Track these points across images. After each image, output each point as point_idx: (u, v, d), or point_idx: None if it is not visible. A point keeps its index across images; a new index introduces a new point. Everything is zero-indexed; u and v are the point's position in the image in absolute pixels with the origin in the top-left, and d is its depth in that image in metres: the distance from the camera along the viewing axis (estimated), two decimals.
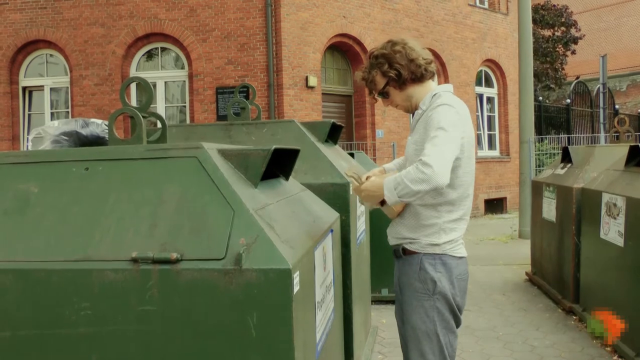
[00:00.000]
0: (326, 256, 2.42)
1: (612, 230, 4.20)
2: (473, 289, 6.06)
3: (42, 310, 1.77)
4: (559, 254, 5.48)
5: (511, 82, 14.55)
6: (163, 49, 11.04)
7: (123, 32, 10.65)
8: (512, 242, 9.53)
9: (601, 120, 14.42)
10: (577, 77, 20.05)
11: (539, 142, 12.84)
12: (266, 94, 10.42)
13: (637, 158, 4.30)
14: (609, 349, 4.20)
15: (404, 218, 2.38)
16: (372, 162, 6.14)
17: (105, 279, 1.73)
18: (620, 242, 4.06)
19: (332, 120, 3.87)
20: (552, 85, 20.08)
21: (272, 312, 1.66)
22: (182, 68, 10.93)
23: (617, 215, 4.11)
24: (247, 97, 9.61)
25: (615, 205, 4.16)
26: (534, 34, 15.26)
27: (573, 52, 20.21)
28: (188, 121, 10.77)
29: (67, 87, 11.09)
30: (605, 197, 4.36)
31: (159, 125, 2.26)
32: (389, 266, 2.97)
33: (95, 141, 2.76)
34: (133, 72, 10.91)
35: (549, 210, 5.78)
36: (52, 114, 11.26)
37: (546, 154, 12.52)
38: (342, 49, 11.83)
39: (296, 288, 1.71)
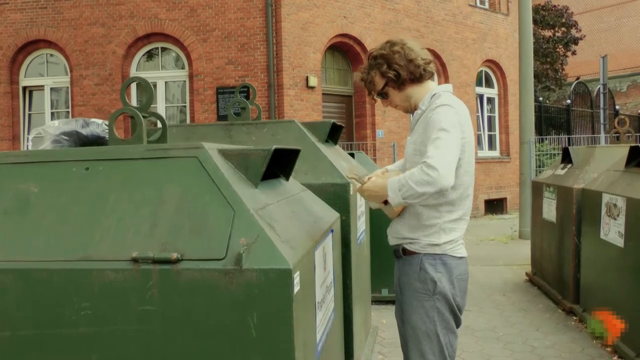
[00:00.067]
0: (326, 256, 2.42)
1: (613, 230, 4.20)
2: (473, 289, 6.06)
3: (42, 310, 1.77)
4: (559, 255, 5.48)
5: (511, 83, 14.55)
6: (163, 49, 11.04)
7: (123, 32, 10.65)
8: (512, 242, 9.53)
9: (601, 120, 14.43)
10: (578, 78, 20.05)
11: (539, 143, 12.84)
12: (266, 94, 10.42)
13: (637, 159, 4.30)
14: (609, 349, 4.20)
15: (404, 218, 2.38)
16: (373, 163, 6.14)
17: (106, 279, 1.73)
18: (620, 242, 4.06)
19: (333, 121, 3.87)
20: (552, 87, 20.07)
21: (272, 312, 1.66)
22: (183, 68, 10.93)
23: (618, 215, 4.11)
24: (247, 97, 9.60)
25: (615, 205, 4.16)
26: (534, 34, 15.27)
27: (573, 53, 20.21)
28: (188, 121, 10.77)
29: (68, 87, 11.09)
30: (606, 198, 4.36)
31: (159, 125, 2.26)
32: (389, 266, 2.97)
33: (96, 141, 2.76)
34: (133, 72, 10.92)
35: (549, 210, 5.78)
36: (52, 113, 11.26)
37: (546, 154, 12.52)
38: (343, 49, 11.83)
39: (296, 288, 1.71)
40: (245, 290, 1.66)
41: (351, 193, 3.25)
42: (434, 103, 2.29)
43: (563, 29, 19.96)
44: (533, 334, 4.65)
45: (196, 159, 1.90)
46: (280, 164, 2.42)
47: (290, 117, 10.27)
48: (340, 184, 3.19)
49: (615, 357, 4.05)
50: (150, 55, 11.09)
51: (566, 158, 5.85)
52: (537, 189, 6.30)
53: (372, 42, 11.40)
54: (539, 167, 11.18)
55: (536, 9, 18.47)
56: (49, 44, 10.97)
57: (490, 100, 14.78)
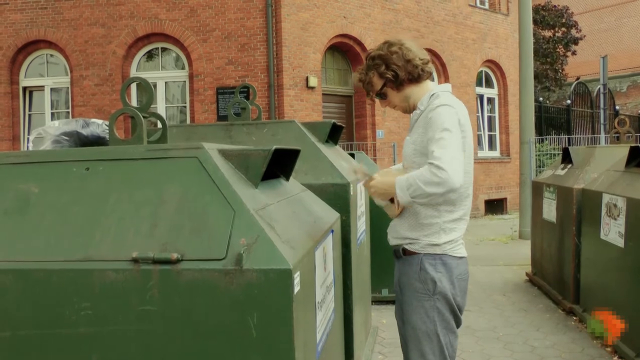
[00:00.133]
0: (327, 256, 2.42)
1: (613, 231, 4.20)
2: (473, 289, 6.06)
3: (42, 310, 1.77)
4: (560, 255, 5.48)
5: (511, 83, 14.55)
6: (163, 49, 11.05)
7: (123, 32, 10.65)
8: (512, 242, 9.53)
9: (601, 121, 14.43)
10: (578, 78, 20.05)
11: (539, 143, 12.84)
12: (267, 94, 10.43)
13: (637, 159, 4.30)
14: (609, 349, 4.20)
15: (404, 218, 2.38)
16: (373, 163, 6.14)
17: (106, 279, 1.73)
18: (620, 242, 4.06)
19: (333, 121, 3.87)
20: (552, 87, 20.07)
21: (272, 313, 1.66)
22: (183, 68, 10.93)
23: (618, 216, 4.11)
24: (247, 98, 9.60)
25: (615, 206, 4.16)
26: (534, 34, 15.26)
27: (573, 53, 20.21)
28: (188, 121, 10.77)
29: (68, 87, 11.09)
30: (606, 198, 4.36)
31: (160, 125, 2.26)
32: (389, 266, 2.97)
33: (96, 141, 2.76)
34: (133, 72, 10.92)
35: (550, 210, 5.78)
36: (52, 114, 11.27)
37: (546, 154, 12.52)
38: (343, 50, 11.84)
39: (297, 288, 1.71)
40: (246, 291, 1.66)
41: (351, 193, 3.25)
42: (432, 103, 2.29)
43: (563, 29, 19.96)
44: (533, 334, 4.65)
45: (196, 159, 1.90)
46: (280, 164, 2.42)
47: (290, 117, 10.28)
48: (341, 184, 3.19)
49: (616, 357, 4.05)
50: (150, 55, 11.09)
51: (566, 158, 5.85)
52: (537, 189, 6.30)
53: (372, 42, 11.40)
54: (539, 167, 11.18)
55: (536, 9, 18.48)
56: (49, 44, 10.97)
57: (490, 101, 14.78)
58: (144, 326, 1.71)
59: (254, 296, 1.66)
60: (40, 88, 11.30)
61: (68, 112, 11.10)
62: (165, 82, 11.01)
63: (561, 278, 5.43)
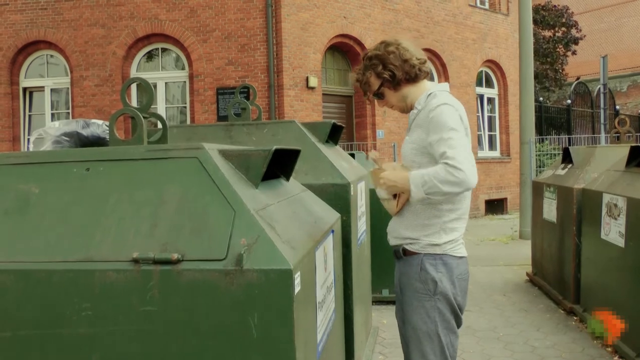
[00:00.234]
0: (327, 257, 2.42)
1: (613, 230, 4.20)
2: (474, 289, 6.06)
3: (43, 311, 1.77)
4: (560, 255, 5.48)
5: (512, 83, 14.55)
6: (163, 50, 11.05)
7: (123, 32, 10.66)
8: (512, 242, 9.53)
9: (602, 120, 14.41)
10: (578, 78, 20.05)
11: (539, 143, 12.84)
12: (267, 94, 10.43)
13: (637, 159, 4.29)
14: (609, 349, 4.19)
15: (404, 217, 2.38)
16: (373, 163, 6.13)
17: (106, 280, 1.73)
18: (621, 242, 4.06)
19: (333, 121, 3.86)
20: (551, 87, 20.07)
21: (273, 313, 1.66)
22: (183, 69, 10.94)
23: (618, 215, 4.11)
24: (247, 98, 9.61)
25: (616, 205, 4.16)
26: (534, 34, 15.27)
27: (574, 53, 20.21)
28: (188, 122, 10.78)
29: (68, 88, 11.09)
30: (606, 198, 4.36)
31: (160, 125, 2.26)
32: (390, 266, 2.97)
33: (96, 142, 2.76)
34: (133, 72, 10.92)
35: (550, 210, 5.78)
36: (52, 114, 11.27)
37: (547, 154, 12.51)
38: (343, 50, 11.84)
39: (297, 288, 1.71)
40: (246, 291, 1.66)
41: (351, 194, 3.25)
42: (430, 102, 2.29)
43: (563, 29, 19.96)
44: (533, 334, 4.65)
45: (197, 159, 1.90)
46: (280, 165, 2.42)
47: (290, 117, 10.28)
48: (341, 185, 3.19)
49: (616, 357, 4.05)
50: (150, 56, 11.09)
51: (566, 158, 5.85)
52: (538, 189, 6.30)
53: (372, 42, 11.38)
54: (540, 167, 11.18)
55: (536, 9, 18.48)
56: (49, 45, 10.98)
57: (490, 101, 14.78)
58: (145, 326, 1.71)
59: (254, 296, 1.66)
60: (41, 89, 11.31)
61: (68, 113, 11.10)
62: (166, 83, 11.02)
63: (561, 278, 5.43)
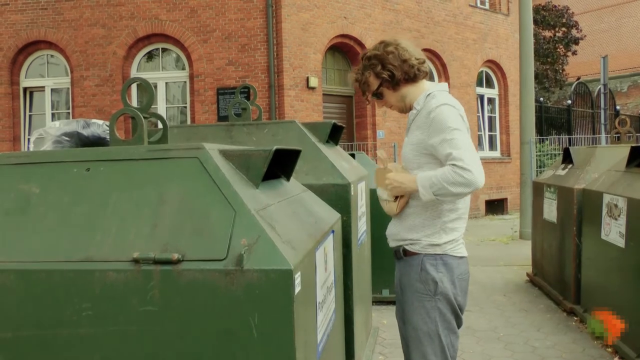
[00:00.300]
0: (327, 257, 2.42)
1: (613, 231, 4.20)
2: (474, 289, 6.05)
3: (43, 311, 1.77)
4: (560, 255, 5.48)
5: (512, 83, 14.55)
6: (164, 50, 11.05)
7: (124, 32, 10.66)
8: (512, 243, 9.53)
9: (602, 121, 14.42)
10: (578, 78, 20.05)
11: (539, 143, 12.84)
12: (267, 94, 10.43)
13: (638, 159, 4.29)
14: (610, 349, 4.19)
15: (404, 219, 2.38)
16: (373, 163, 6.13)
17: (107, 280, 1.73)
18: (621, 243, 4.06)
19: (333, 121, 3.86)
20: (551, 88, 20.07)
21: (273, 313, 1.66)
22: (183, 69, 10.94)
23: (618, 216, 4.11)
24: (248, 98, 9.61)
25: (616, 206, 4.16)
26: (535, 34, 15.28)
27: (574, 53, 20.21)
28: (189, 122, 10.78)
29: (68, 88, 11.10)
30: (607, 198, 4.35)
31: (160, 125, 2.26)
32: (390, 267, 2.97)
33: (97, 142, 2.76)
34: (134, 72, 10.93)
35: (550, 211, 5.78)
36: (53, 114, 11.27)
37: (547, 154, 12.51)
38: (343, 50, 11.84)
39: (297, 289, 1.71)
40: (246, 291, 1.66)
41: (351, 193, 3.25)
42: (430, 103, 2.29)
43: (563, 29, 19.97)
44: (534, 335, 4.65)
45: (197, 159, 1.90)
46: (281, 165, 2.42)
47: (290, 117, 10.28)
48: (341, 185, 3.19)
49: (617, 358, 4.05)
50: (150, 56, 11.10)
51: (567, 158, 5.84)
52: (538, 190, 6.30)
53: (373, 42, 11.32)
54: (540, 167, 11.18)
55: (537, 9, 18.48)
56: (50, 44, 10.98)
57: (490, 101, 14.78)
58: (145, 326, 1.71)
59: (254, 296, 1.66)
60: (41, 89, 11.31)
61: (68, 113, 11.10)
62: (166, 83, 11.02)
63: (562, 278, 5.43)
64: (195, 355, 1.70)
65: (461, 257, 2.34)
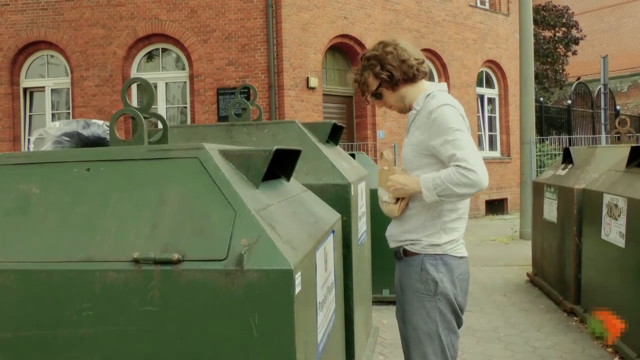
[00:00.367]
0: (327, 257, 2.41)
1: (614, 231, 4.20)
2: (474, 289, 6.05)
3: (43, 311, 1.77)
4: (560, 255, 5.48)
5: (512, 83, 14.55)
6: (164, 50, 11.05)
7: (124, 33, 10.66)
8: (513, 243, 9.53)
9: (602, 121, 14.42)
10: (578, 78, 20.05)
11: (539, 143, 12.84)
12: (267, 94, 10.43)
13: (638, 159, 4.29)
14: (610, 349, 4.19)
15: (404, 220, 2.38)
16: (373, 163, 6.13)
17: (107, 280, 1.73)
18: (621, 243, 4.06)
19: (333, 121, 3.86)
20: (550, 88, 20.06)
21: (273, 313, 1.66)
22: (183, 69, 10.94)
23: (619, 216, 4.11)
24: (248, 98, 9.61)
25: (616, 206, 4.16)
26: (535, 34, 15.28)
27: (574, 53, 20.21)
28: (189, 122, 10.78)
29: (68, 88, 11.10)
30: (607, 198, 4.35)
31: (160, 126, 2.26)
32: (390, 267, 2.97)
33: (97, 142, 2.76)
34: (134, 73, 10.93)
35: (550, 211, 5.78)
36: (53, 115, 11.27)
37: (547, 154, 12.51)
38: (343, 50, 11.84)
39: (298, 289, 1.71)
40: (247, 291, 1.66)
41: (350, 195, 3.25)
42: (429, 103, 2.29)
43: (563, 29, 19.97)
44: (534, 335, 4.65)
45: (197, 159, 1.90)
46: (281, 165, 2.42)
47: (290, 117, 10.28)
48: (342, 185, 3.19)
49: (617, 358, 4.04)
50: (150, 56, 11.10)
51: (567, 158, 5.84)
52: (538, 190, 6.30)
53: (373, 42, 11.30)
54: (540, 167, 11.18)
55: (537, 9, 18.48)
56: (50, 45, 10.98)
57: (490, 101, 14.78)
58: (145, 327, 1.71)
59: (255, 297, 1.66)
60: (41, 89, 11.31)
61: (69, 113, 11.11)
62: (166, 83, 11.02)
63: (562, 278, 5.43)
64: (195, 355, 1.69)
65: (461, 257, 2.34)
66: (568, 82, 20.61)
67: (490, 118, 14.70)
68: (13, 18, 10.89)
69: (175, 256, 1.69)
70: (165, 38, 10.77)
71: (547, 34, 19.91)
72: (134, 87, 10.56)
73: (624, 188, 4.16)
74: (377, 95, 2.43)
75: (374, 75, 2.37)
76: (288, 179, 2.55)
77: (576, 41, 19.98)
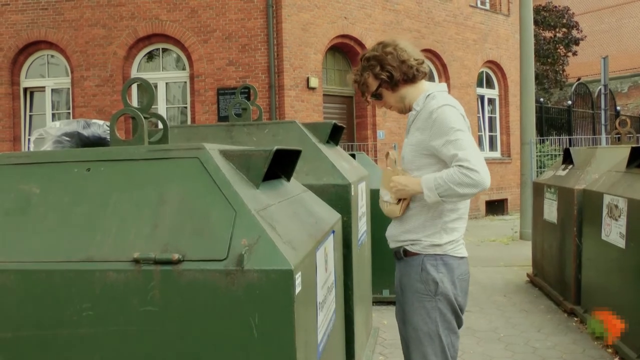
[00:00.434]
0: (328, 257, 2.41)
1: (614, 231, 4.20)
2: (474, 290, 6.05)
3: (43, 311, 1.77)
4: (560, 256, 5.47)
5: (512, 84, 14.55)
6: (164, 50, 11.05)
7: (124, 33, 10.66)
8: (513, 243, 9.52)
9: (602, 121, 14.43)
10: (579, 79, 20.05)
11: (540, 144, 12.84)
12: (267, 95, 10.43)
13: (638, 160, 4.29)
14: (610, 350, 4.19)
15: (404, 220, 2.38)
16: (374, 163, 6.13)
17: (107, 280, 1.73)
18: (621, 243, 4.05)
19: (334, 121, 3.86)
20: (550, 89, 20.06)
21: (273, 313, 1.65)
22: (183, 69, 10.94)
23: (619, 216, 4.11)
24: (248, 98, 9.61)
25: (616, 206, 4.16)
26: (535, 35, 15.28)
27: (574, 54, 20.21)
28: (189, 122, 10.78)
29: (69, 88, 11.10)
30: (607, 199, 4.35)
31: (161, 126, 2.26)
32: (390, 267, 2.96)
33: (97, 142, 2.76)
34: (134, 73, 10.93)
35: (550, 211, 5.77)
36: (53, 115, 11.27)
37: (547, 155, 12.51)
38: (343, 50, 11.84)
39: (298, 289, 1.71)
40: (247, 291, 1.66)
41: (353, 194, 3.25)
42: (429, 104, 2.29)
43: (564, 29, 19.97)
44: (534, 335, 4.65)
45: (197, 159, 1.90)
46: (281, 165, 2.42)
47: (291, 118, 10.28)
48: (342, 185, 3.19)
49: (617, 358, 4.04)
50: (151, 56, 11.10)
51: (567, 159, 5.84)
52: (538, 190, 6.30)
53: (373, 42, 11.31)
54: (540, 168, 11.18)
55: (537, 10, 18.48)
56: (50, 45, 10.98)
57: (491, 101, 14.78)
58: (145, 327, 1.71)
59: (255, 297, 1.66)
60: (41, 89, 11.31)
61: (69, 113, 11.11)
62: (166, 83, 11.02)
63: (562, 279, 5.42)
64: (196, 355, 1.69)
65: (461, 258, 2.34)
66: (568, 83, 20.60)
67: (490, 118, 14.70)
68: (13, 18, 10.89)
69: (176, 256, 1.69)
70: (165, 38, 10.77)
71: (548, 34, 19.91)
72: (134, 87, 10.56)
73: (624, 189, 4.16)
74: (377, 96, 2.43)
75: (374, 75, 2.37)
76: (288, 179, 2.55)
77: (576, 42, 19.98)
